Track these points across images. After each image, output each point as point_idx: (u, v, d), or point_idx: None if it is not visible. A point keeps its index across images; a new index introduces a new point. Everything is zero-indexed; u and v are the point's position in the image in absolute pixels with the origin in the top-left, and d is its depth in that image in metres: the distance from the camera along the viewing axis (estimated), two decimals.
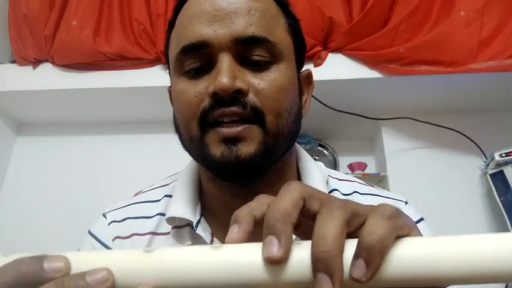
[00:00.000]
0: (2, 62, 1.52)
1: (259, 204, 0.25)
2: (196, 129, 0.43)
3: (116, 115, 1.61)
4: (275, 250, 0.21)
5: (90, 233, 0.52)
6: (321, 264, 0.21)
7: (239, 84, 0.41)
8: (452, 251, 0.21)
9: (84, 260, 0.23)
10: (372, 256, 0.21)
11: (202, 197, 0.51)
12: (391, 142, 1.48)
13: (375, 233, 0.21)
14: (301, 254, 0.22)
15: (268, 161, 0.43)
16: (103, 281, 0.22)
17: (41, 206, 1.52)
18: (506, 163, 1.25)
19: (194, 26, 0.43)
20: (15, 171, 1.62)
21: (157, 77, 1.40)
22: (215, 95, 0.41)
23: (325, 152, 1.64)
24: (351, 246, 0.22)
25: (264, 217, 0.23)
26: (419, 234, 0.24)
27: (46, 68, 1.47)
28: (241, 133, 0.41)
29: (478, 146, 1.37)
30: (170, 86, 0.52)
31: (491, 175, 1.29)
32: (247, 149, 0.41)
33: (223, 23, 0.42)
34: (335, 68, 1.31)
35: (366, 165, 1.56)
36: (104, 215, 0.53)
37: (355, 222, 0.23)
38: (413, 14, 1.27)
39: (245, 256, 0.22)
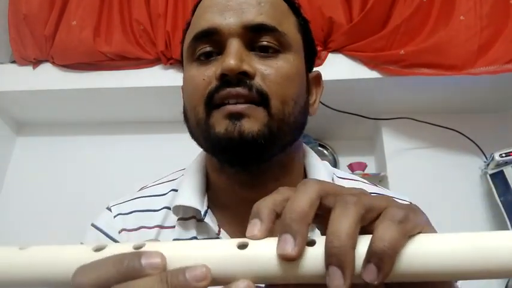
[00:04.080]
0: (2, 62, 1.52)
1: (281, 199, 0.25)
2: (202, 112, 0.44)
3: (116, 115, 1.61)
4: (290, 249, 0.22)
5: (94, 226, 0.52)
6: (334, 258, 0.21)
7: (246, 66, 0.42)
8: (461, 247, 0.22)
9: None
10: (383, 262, 0.22)
11: (208, 189, 0.52)
12: (391, 142, 1.48)
13: (385, 239, 0.22)
14: (315, 250, 0.23)
15: (272, 147, 0.44)
16: (201, 278, 0.22)
17: (41, 206, 1.52)
18: (506, 163, 1.25)
19: (207, 15, 0.46)
20: (15, 171, 1.62)
21: (157, 77, 1.40)
22: (222, 76, 0.42)
23: (325, 152, 1.64)
24: (363, 242, 0.22)
25: (282, 214, 0.24)
26: (432, 230, 0.25)
27: (46, 68, 1.47)
28: (245, 110, 0.42)
29: (478, 146, 1.37)
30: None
31: (491, 175, 1.29)
32: (250, 126, 0.42)
33: (234, 12, 0.44)
34: (335, 68, 1.31)
35: (365, 165, 1.56)
36: (109, 209, 0.53)
37: (369, 217, 0.24)
38: (413, 17, 1.27)
39: (266, 252, 0.23)
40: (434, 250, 0.22)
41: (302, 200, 0.24)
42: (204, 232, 0.48)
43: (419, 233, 0.24)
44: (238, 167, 0.46)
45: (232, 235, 0.48)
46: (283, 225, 0.23)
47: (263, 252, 0.23)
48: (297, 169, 0.51)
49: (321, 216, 0.24)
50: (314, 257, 0.23)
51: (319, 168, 0.52)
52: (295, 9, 0.51)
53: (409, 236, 0.23)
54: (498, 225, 1.31)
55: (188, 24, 0.51)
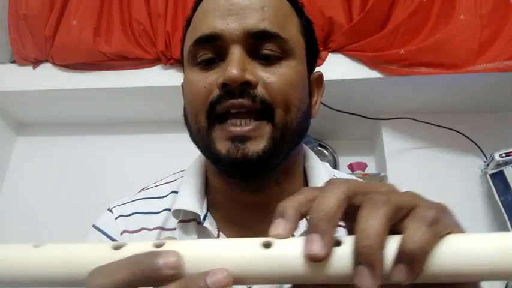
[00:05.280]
0: (2, 62, 1.52)
1: (306, 200, 0.25)
2: (204, 121, 0.43)
3: (116, 115, 1.61)
4: (318, 249, 0.22)
5: (95, 227, 0.52)
6: (363, 258, 0.21)
7: (248, 76, 0.41)
8: (490, 247, 0.22)
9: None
10: (413, 263, 0.21)
11: (208, 192, 0.51)
12: (391, 142, 1.48)
13: (415, 240, 0.21)
14: (341, 250, 0.22)
15: (276, 158, 0.43)
16: (223, 283, 0.22)
17: (41, 206, 1.52)
18: (506, 163, 1.25)
19: (209, 19, 0.45)
20: (15, 171, 1.62)
21: (157, 77, 1.40)
22: (224, 85, 0.41)
23: (325, 152, 1.64)
24: (392, 242, 0.22)
25: (309, 214, 0.23)
26: (461, 231, 0.24)
27: (46, 68, 1.47)
28: (250, 132, 0.41)
29: (478, 146, 1.36)
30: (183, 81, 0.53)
31: (491, 175, 1.29)
32: (255, 147, 0.41)
33: (236, 17, 0.44)
34: (335, 68, 1.31)
35: (365, 165, 1.56)
36: (110, 210, 0.53)
37: (398, 216, 0.23)
38: (413, 16, 1.27)
39: (292, 252, 0.23)
40: (464, 251, 0.22)
41: (330, 199, 0.23)
42: (205, 235, 0.48)
43: (449, 233, 0.23)
44: (239, 178, 0.45)
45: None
46: (311, 225, 0.23)
47: (288, 251, 0.23)
48: (298, 172, 0.51)
49: (349, 215, 0.24)
50: (340, 257, 0.22)
51: (320, 170, 0.51)
52: (299, 10, 0.50)
53: (439, 236, 0.23)
54: (498, 225, 1.31)
55: (188, 22, 0.50)
